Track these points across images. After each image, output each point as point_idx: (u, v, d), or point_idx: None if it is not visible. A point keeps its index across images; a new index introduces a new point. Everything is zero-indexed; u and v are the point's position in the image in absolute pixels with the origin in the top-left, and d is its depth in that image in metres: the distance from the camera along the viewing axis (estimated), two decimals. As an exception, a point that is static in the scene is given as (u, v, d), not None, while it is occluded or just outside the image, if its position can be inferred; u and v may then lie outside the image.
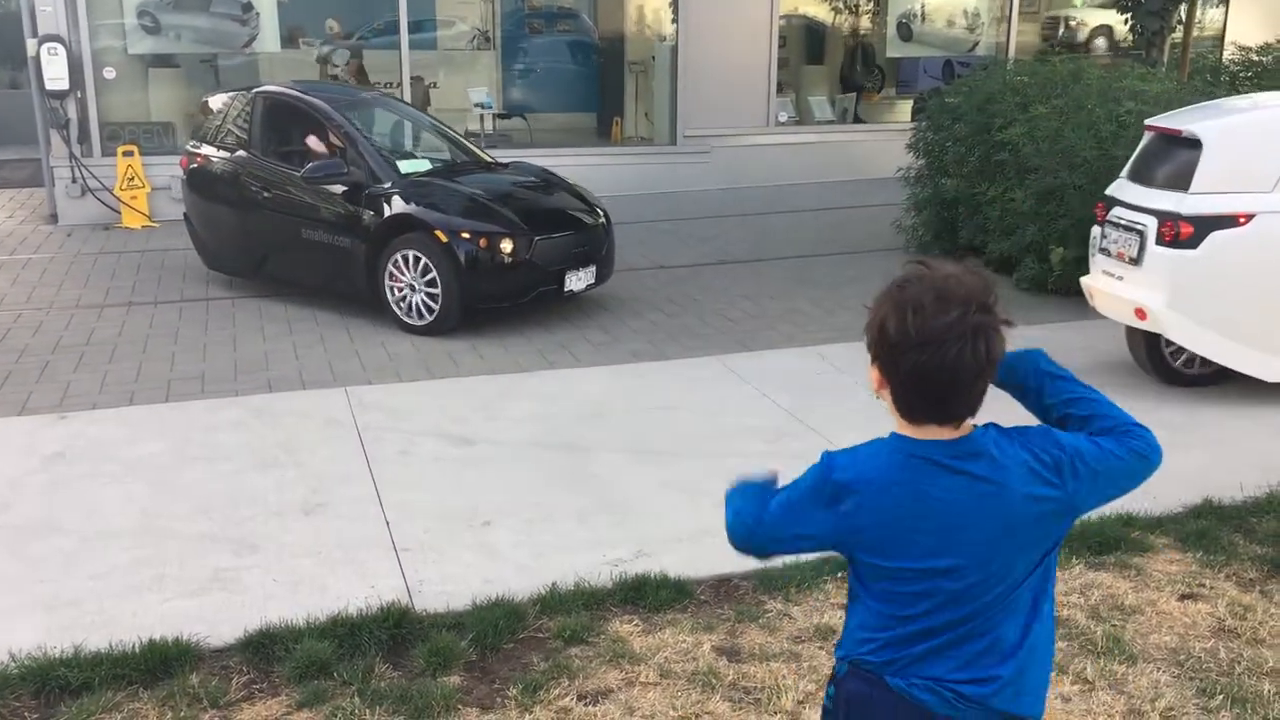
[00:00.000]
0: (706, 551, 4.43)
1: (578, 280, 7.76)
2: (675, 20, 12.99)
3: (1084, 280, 6.69)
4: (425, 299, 7.45)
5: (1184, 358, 6.36)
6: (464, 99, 13.32)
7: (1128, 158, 7.72)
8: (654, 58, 13.68)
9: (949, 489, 1.87)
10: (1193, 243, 5.85)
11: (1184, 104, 8.24)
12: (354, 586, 4.22)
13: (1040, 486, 1.87)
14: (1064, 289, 8.17)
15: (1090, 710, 3.52)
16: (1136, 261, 6.09)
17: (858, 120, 14.79)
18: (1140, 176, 6.39)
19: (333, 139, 8.03)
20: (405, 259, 7.44)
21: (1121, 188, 6.47)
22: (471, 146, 9.06)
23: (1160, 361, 6.42)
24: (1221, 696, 3.55)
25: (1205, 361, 6.26)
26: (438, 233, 7.37)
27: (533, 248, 7.47)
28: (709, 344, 7.32)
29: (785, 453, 5.53)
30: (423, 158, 8.49)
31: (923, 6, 14.82)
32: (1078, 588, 4.24)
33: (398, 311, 7.56)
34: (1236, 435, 5.73)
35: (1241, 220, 5.85)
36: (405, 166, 7.95)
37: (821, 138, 13.80)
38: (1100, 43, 15.67)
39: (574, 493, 5.12)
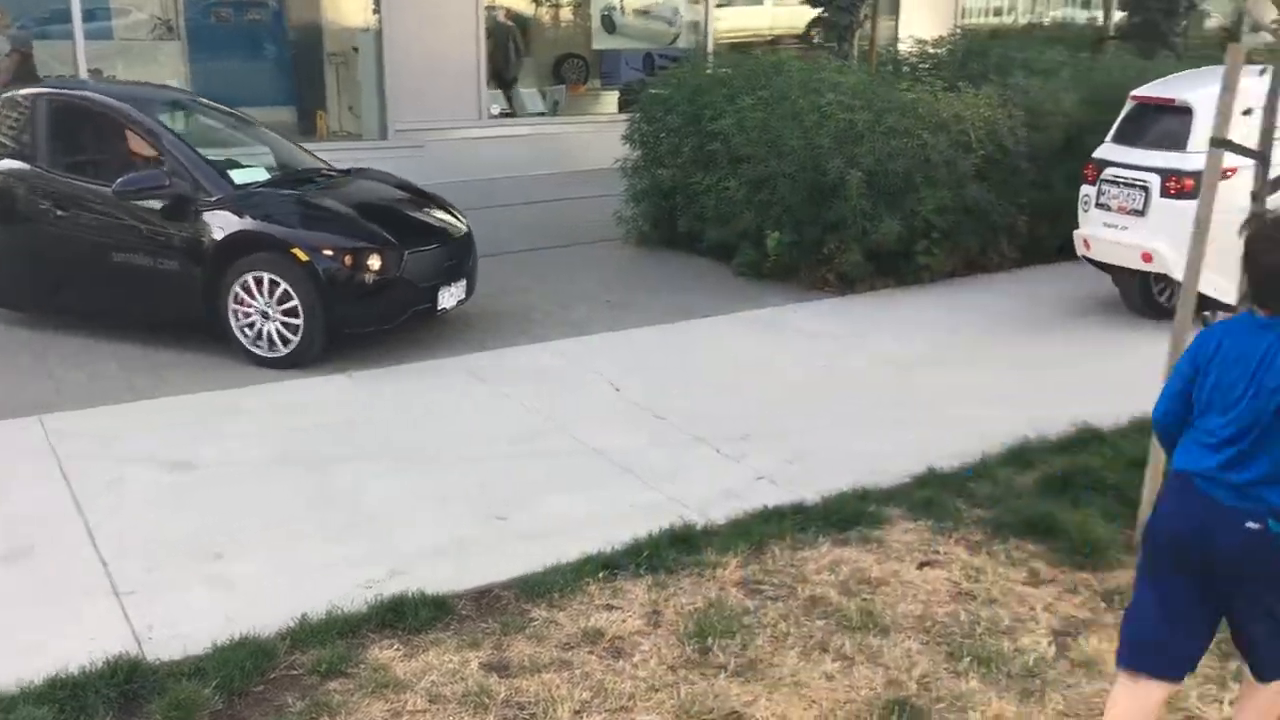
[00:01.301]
0: (464, 563, 4.29)
1: (450, 296, 7.07)
2: (377, 10, 12.57)
3: (1078, 232, 7.67)
4: (281, 327, 6.57)
5: (1167, 295, 7.40)
6: (150, 93, 12.35)
7: (832, 148, 8.16)
8: (356, 49, 13.19)
9: None
10: (1194, 194, 6.46)
11: (876, 94, 8.77)
12: (72, 641, 3.78)
13: None
14: (780, 273, 8.52)
15: (853, 684, 3.65)
16: (1141, 213, 7.10)
17: (566, 112, 14.86)
18: (1129, 140, 7.43)
19: (140, 146, 6.92)
20: (254, 282, 6.55)
21: (1111, 150, 7.46)
22: (301, 150, 8.07)
23: (1151, 300, 7.58)
24: (968, 659, 3.77)
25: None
26: (295, 250, 6.51)
27: (404, 263, 6.74)
28: (448, 346, 7.08)
29: (536, 451, 5.46)
30: (254, 165, 7.42)
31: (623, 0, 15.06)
32: (827, 565, 4.40)
33: (245, 342, 6.66)
34: (948, 404, 6.13)
35: (1228, 174, 6.51)
36: (239, 176, 6.94)
37: (534, 130, 13.76)
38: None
39: (317, 511, 4.82)
